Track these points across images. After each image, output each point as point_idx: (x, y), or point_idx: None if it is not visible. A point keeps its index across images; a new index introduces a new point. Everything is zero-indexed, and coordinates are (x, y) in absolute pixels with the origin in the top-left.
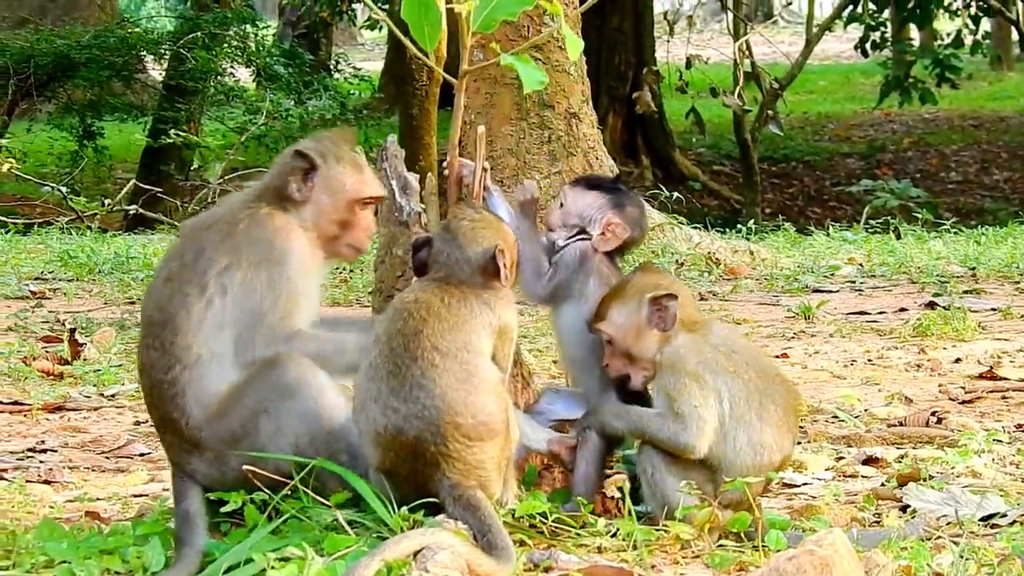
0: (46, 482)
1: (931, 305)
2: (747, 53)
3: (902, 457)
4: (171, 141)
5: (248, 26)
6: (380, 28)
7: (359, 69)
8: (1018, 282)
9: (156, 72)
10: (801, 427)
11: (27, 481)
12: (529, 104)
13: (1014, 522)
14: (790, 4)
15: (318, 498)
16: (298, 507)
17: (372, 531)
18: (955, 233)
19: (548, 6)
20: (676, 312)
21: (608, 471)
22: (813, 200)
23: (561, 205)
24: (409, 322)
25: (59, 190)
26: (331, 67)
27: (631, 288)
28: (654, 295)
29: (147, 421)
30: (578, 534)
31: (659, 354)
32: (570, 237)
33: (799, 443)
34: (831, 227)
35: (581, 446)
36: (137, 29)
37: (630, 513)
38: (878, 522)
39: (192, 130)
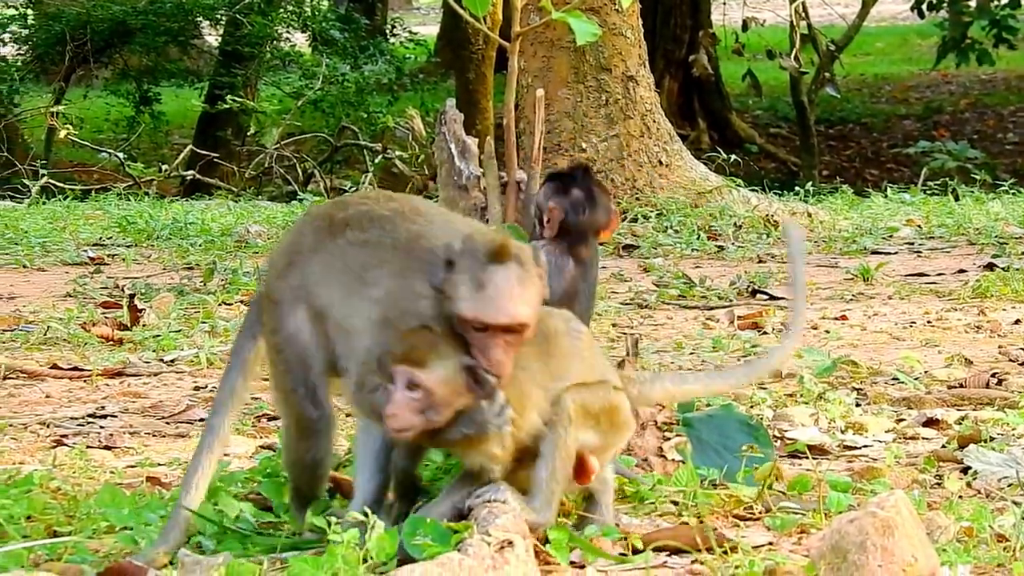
0: (107, 448)
1: (990, 266)
2: (803, 15)
3: (963, 419)
4: (227, 107)
5: None
6: None
7: (415, 33)
8: None
9: (212, 38)
10: (861, 389)
11: (88, 447)
12: (586, 67)
13: None
14: None
15: None
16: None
17: None
18: (1013, 194)
19: None
20: None
21: (668, 435)
22: (870, 162)
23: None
24: None
25: (116, 156)
26: (387, 32)
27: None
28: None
29: (207, 386)
30: (640, 497)
31: None
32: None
33: (859, 405)
34: (889, 189)
35: None
36: None
37: (691, 476)
38: (939, 484)
39: (248, 95)
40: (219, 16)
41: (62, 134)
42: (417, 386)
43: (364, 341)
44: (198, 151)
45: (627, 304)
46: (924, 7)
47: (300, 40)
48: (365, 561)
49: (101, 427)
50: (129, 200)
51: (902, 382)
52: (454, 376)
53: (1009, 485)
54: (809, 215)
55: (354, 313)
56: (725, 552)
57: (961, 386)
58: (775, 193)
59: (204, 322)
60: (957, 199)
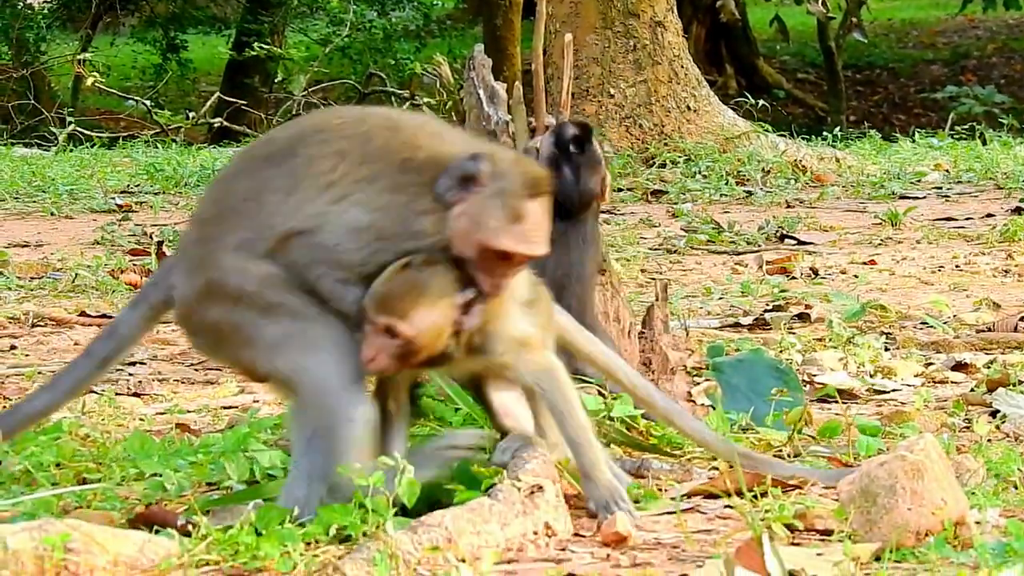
0: (136, 395)
1: (1018, 210)
2: None
3: (991, 362)
4: (255, 54)
5: None
6: None
7: None
8: None
9: None
10: (890, 333)
11: (117, 394)
12: (614, 13)
13: None
14: None
15: None
16: None
17: None
18: None
19: None
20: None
21: (697, 379)
22: (897, 107)
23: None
24: None
25: (143, 104)
26: None
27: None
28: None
29: None
30: (670, 441)
31: None
32: None
33: (888, 349)
34: (916, 134)
35: None
36: None
37: (721, 420)
38: (968, 427)
39: (276, 42)
40: None
41: (89, 82)
42: (396, 335)
43: (344, 241)
44: (225, 98)
45: (656, 249)
46: None
47: None
48: (394, 506)
49: (130, 374)
50: (156, 148)
51: (931, 326)
52: (439, 320)
53: None
54: (837, 160)
55: (326, 221)
56: (755, 496)
57: (989, 330)
58: (803, 138)
59: None
60: (984, 144)
